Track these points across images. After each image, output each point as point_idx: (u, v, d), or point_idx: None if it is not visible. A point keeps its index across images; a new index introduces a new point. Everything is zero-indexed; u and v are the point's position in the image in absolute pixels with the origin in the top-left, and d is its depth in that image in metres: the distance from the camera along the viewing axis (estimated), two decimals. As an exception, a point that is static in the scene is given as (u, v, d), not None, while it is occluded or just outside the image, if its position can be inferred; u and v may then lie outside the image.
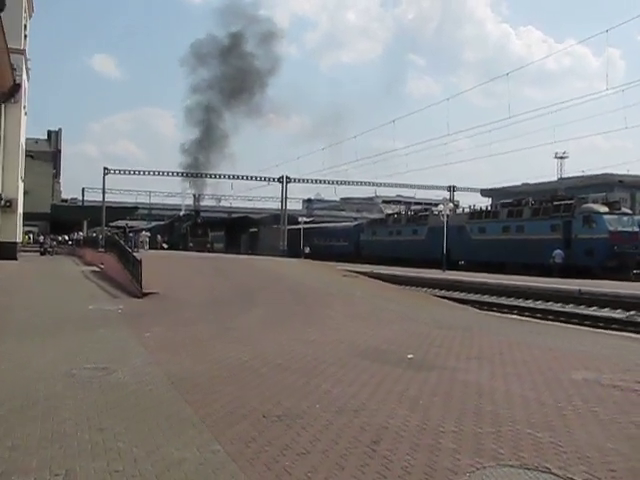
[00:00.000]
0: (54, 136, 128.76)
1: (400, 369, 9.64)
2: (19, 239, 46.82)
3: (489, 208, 50.43)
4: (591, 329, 15.92)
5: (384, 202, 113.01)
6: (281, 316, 16.21)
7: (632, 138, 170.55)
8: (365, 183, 77.57)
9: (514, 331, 14.42)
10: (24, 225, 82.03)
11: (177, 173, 77.87)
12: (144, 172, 74.70)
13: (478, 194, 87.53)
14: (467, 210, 53.69)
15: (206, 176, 79.46)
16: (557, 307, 24.69)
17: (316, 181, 76.10)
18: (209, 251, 67.58)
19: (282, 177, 73.10)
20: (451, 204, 48.96)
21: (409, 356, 10.74)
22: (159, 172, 75.62)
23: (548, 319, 20.08)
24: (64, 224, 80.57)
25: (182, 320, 15.29)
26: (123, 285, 23.06)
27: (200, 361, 10.03)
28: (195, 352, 10.93)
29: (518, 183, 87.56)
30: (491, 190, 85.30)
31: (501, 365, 10.04)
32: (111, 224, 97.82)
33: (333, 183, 76.34)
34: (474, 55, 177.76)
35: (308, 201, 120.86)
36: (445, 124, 74.12)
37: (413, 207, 68.11)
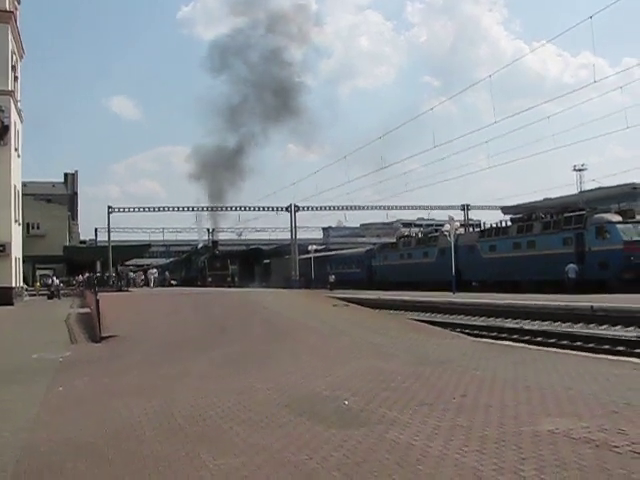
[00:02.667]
0: (70, 178, 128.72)
1: (323, 426, 7.72)
2: (17, 283, 45.66)
3: (499, 225, 48.04)
4: (591, 354, 13.72)
5: (404, 226, 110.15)
6: (239, 358, 14.71)
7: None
8: (378, 207, 75.50)
9: (499, 363, 12.35)
10: (38, 269, 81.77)
11: (186, 208, 76.05)
12: (148, 209, 73.20)
13: (499, 212, 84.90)
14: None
15: (213, 209, 77.63)
16: (564, 327, 22.55)
17: (325, 208, 74.11)
18: (229, 286, 61.59)
19: (290, 206, 71.18)
20: (457, 223, 46.77)
21: (345, 402, 9.00)
22: (165, 208, 74.26)
23: (549, 343, 17.96)
24: (79, 265, 79.60)
25: (121, 368, 13.93)
26: (93, 328, 21.35)
27: (84, 424, 8.41)
28: (92, 411, 9.36)
29: (540, 198, 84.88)
30: (512, 207, 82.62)
31: (454, 414, 8.00)
32: (127, 263, 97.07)
33: (343, 209, 74.23)
34: (489, 73, 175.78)
35: (325, 229, 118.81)
36: (461, 143, 71.19)
37: (424, 229, 65.52)
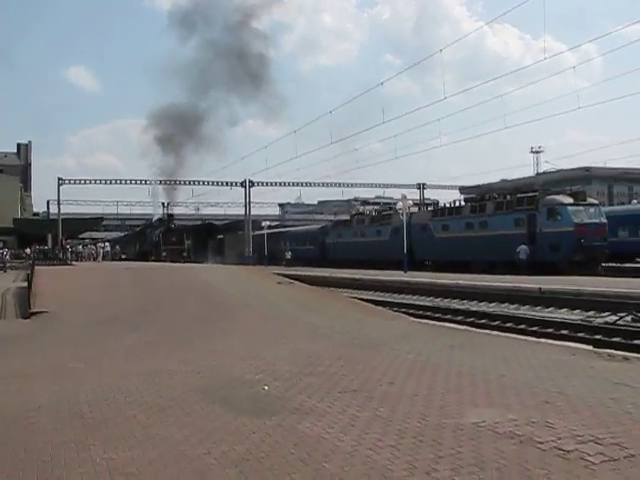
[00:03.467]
0: (24, 149, 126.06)
1: (234, 414, 7.16)
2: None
3: (452, 204, 47.67)
4: (532, 338, 13.27)
5: (363, 204, 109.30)
6: (168, 337, 14.07)
7: (611, 132, 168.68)
8: (334, 184, 74.89)
9: (436, 346, 11.81)
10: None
11: (140, 181, 74.56)
12: (100, 181, 71.75)
13: (457, 192, 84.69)
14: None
15: (168, 182, 76.18)
16: (511, 309, 22.19)
17: (280, 184, 73.35)
18: (185, 261, 59.39)
19: (245, 181, 70.19)
20: (410, 201, 46.29)
21: (265, 387, 8.45)
22: (118, 180, 72.85)
23: (492, 325, 17.55)
24: (30, 238, 77.59)
25: (42, 346, 13.33)
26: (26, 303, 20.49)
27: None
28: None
29: (497, 179, 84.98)
30: (470, 187, 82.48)
31: (377, 403, 7.44)
32: (81, 236, 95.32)
33: (299, 185, 73.51)
34: (451, 54, 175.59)
35: (282, 205, 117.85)
36: (425, 124, 70.23)
37: (378, 207, 64.73)
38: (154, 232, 73.92)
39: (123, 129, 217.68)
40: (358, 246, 54.98)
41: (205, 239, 78.41)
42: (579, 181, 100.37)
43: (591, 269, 33.74)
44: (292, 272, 44.39)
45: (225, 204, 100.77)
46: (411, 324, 15.74)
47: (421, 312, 21.58)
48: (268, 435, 6.28)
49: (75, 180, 70.00)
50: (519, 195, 39.60)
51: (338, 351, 11.35)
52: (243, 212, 75.01)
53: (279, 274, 30.13)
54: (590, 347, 11.87)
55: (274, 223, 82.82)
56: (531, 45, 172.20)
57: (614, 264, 39.93)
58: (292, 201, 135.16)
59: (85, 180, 71.43)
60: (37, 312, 17.83)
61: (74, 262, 46.12)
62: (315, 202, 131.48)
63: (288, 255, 62.06)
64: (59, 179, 67.93)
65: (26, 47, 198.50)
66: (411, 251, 46.29)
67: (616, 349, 12.18)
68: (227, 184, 72.44)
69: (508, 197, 40.54)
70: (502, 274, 34.08)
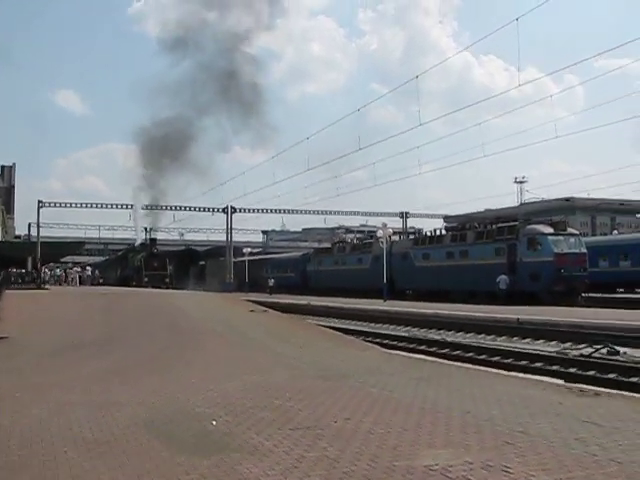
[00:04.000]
0: (7, 171, 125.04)
1: (173, 452, 6.72)
2: None
3: (434, 233, 47.35)
4: (503, 372, 12.83)
5: (348, 232, 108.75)
6: (128, 366, 13.52)
7: (595, 163, 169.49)
8: (317, 212, 74.47)
9: (402, 379, 11.34)
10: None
11: (121, 205, 73.89)
12: (80, 205, 71.16)
13: (442, 221, 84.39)
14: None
15: (150, 207, 75.36)
16: (487, 340, 21.79)
17: (264, 210, 72.88)
18: (167, 287, 57.54)
19: (227, 207, 69.71)
20: (390, 230, 45.92)
21: (213, 422, 7.95)
22: (99, 205, 72.31)
23: (465, 357, 17.11)
24: (10, 261, 76.34)
25: None
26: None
27: None
28: None
29: (481, 209, 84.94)
30: (454, 217, 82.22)
31: (329, 441, 6.98)
32: (63, 260, 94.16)
33: (281, 212, 73.08)
34: (437, 84, 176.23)
35: (265, 232, 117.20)
36: (409, 153, 70.07)
37: (359, 236, 64.20)
38: (136, 257, 70.66)
39: (111, 153, 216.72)
40: (339, 274, 54.48)
41: (187, 265, 77.31)
42: (562, 211, 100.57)
43: (571, 299, 33.45)
44: (270, 300, 44.08)
45: (208, 230, 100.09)
46: (382, 355, 15.27)
47: (396, 342, 21.17)
48: (202, 477, 5.79)
49: (55, 203, 69.36)
50: (500, 224, 39.31)
51: (302, 383, 10.88)
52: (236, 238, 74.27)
53: (254, 302, 29.65)
54: (562, 381, 11.42)
55: (256, 250, 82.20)
56: (515, 76, 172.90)
57: (595, 294, 39.68)
58: (277, 228, 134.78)
59: (65, 203, 70.81)
60: (-2, 337, 17.17)
61: (48, 286, 45.33)
62: (300, 229, 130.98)
63: (271, 282, 61.21)
64: (39, 202, 67.24)
65: (12, 70, 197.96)
66: (392, 280, 45.85)
67: (588, 383, 11.77)
68: (209, 210, 71.90)
69: (489, 226, 40.21)
70: (482, 304, 33.68)
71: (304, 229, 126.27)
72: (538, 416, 8.07)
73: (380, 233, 44.85)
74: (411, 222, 77.54)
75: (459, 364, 13.92)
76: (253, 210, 72.74)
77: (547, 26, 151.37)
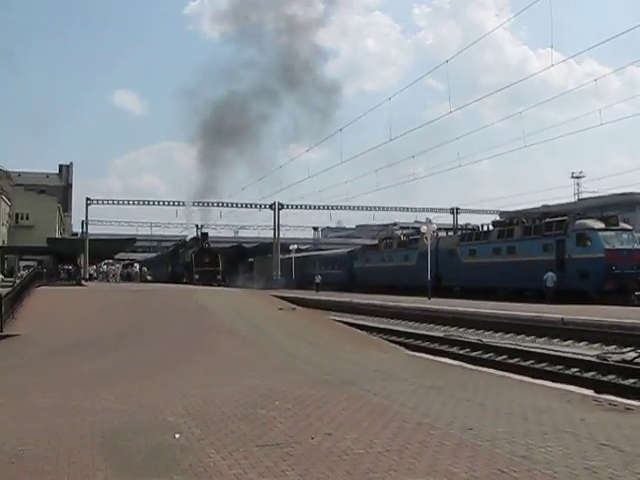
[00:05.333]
0: (65, 170, 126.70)
1: (112, 472, 5.86)
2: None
3: (481, 229, 45.91)
4: (529, 379, 11.62)
5: (401, 228, 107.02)
6: (128, 366, 12.90)
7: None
8: (368, 208, 73.48)
9: (412, 387, 10.28)
10: (23, 260, 79.77)
11: (169, 202, 73.68)
12: (128, 202, 71.21)
13: (496, 217, 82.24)
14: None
15: (200, 204, 74.78)
16: (527, 342, 20.46)
17: (312, 207, 72.02)
18: (219, 284, 54.19)
19: (274, 204, 69.02)
20: (434, 225, 44.61)
21: (176, 435, 7.07)
22: (145, 202, 72.08)
23: (494, 362, 15.92)
24: (64, 258, 76.99)
25: None
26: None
27: None
28: None
29: (538, 205, 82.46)
30: (510, 212, 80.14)
31: (294, 461, 6.06)
32: (116, 257, 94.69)
33: (330, 208, 72.11)
34: (494, 79, 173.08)
35: (315, 229, 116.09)
36: (466, 149, 68.65)
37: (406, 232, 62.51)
38: (187, 252, 66.64)
39: (167, 151, 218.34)
40: (385, 271, 53.41)
41: (236, 262, 76.30)
42: (622, 207, 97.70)
43: (623, 298, 31.68)
44: (310, 297, 43.24)
45: (259, 227, 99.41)
46: (403, 358, 14.19)
47: (428, 343, 20.09)
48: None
49: (103, 200, 69.44)
50: (548, 220, 37.70)
51: (300, 389, 9.89)
52: (281, 235, 73.43)
53: (291, 299, 28.78)
54: (592, 392, 10.20)
55: (305, 246, 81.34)
56: (574, 69, 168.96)
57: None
58: (332, 225, 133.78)
59: (114, 200, 70.91)
60: (8, 335, 16.59)
61: (87, 283, 45.15)
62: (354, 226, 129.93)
63: (318, 279, 60.10)
64: (87, 199, 67.57)
65: (72, 70, 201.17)
66: (439, 277, 44.74)
67: (626, 394, 10.54)
68: (256, 206, 71.23)
69: (537, 222, 38.61)
70: (529, 302, 32.27)
71: (358, 226, 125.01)
72: (550, 436, 6.94)
73: (424, 229, 43.58)
74: (466, 218, 75.50)
75: (485, 369, 12.78)
76: (301, 206, 71.91)
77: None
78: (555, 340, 20.32)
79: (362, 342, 16.51)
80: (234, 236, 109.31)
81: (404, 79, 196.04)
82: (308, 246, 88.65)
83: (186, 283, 54.93)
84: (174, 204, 74.97)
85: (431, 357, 14.53)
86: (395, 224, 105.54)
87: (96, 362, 13.15)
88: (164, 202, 74.93)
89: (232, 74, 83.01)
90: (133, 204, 72.50)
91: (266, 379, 10.91)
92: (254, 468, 5.84)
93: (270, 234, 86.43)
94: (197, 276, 57.92)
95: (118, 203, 71.57)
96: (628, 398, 10.31)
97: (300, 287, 61.44)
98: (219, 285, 53.04)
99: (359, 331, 19.59)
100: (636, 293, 34.02)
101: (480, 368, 12.88)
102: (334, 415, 8.08)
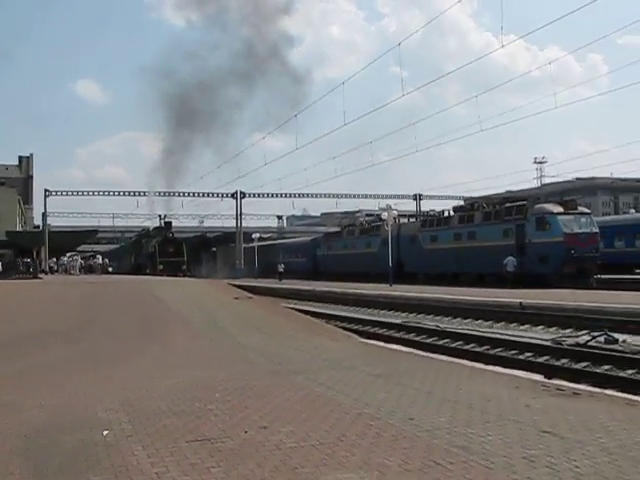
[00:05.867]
0: (25, 162, 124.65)
1: (18, 477, 5.30)
2: None
3: (442, 215, 45.85)
4: (481, 365, 11.45)
5: (367, 215, 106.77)
6: (71, 360, 12.58)
7: (617, 142, 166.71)
8: (331, 195, 73.12)
9: (359, 375, 10.02)
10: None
11: (131, 192, 72.71)
12: (88, 192, 70.18)
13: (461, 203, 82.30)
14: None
15: (164, 194, 73.87)
16: (484, 327, 20.34)
17: (273, 195, 71.58)
18: (184, 275, 52.46)
19: (236, 192, 68.45)
20: (395, 212, 44.47)
21: (104, 433, 6.73)
22: (106, 192, 71.19)
23: (449, 348, 15.74)
24: (24, 251, 75.53)
25: None
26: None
27: None
28: None
29: (502, 190, 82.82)
30: (475, 199, 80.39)
31: (220, 459, 5.79)
32: (77, 249, 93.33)
33: (291, 196, 71.71)
34: (458, 65, 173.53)
35: (280, 217, 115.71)
36: (429, 135, 68.64)
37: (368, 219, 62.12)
38: (150, 242, 63.68)
39: (132, 141, 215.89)
40: (348, 258, 53.17)
41: (199, 252, 75.50)
42: (584, 191, 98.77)
43: (583, 281, 31.80)
44: (273, 286, 42.98)
45: (223, 216, 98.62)
46: (354, 346, 13.93)
47: (384, 330, 19.94)
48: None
49: (62, 192, 68.58)
50: (507, 204, 37.67)
51: (244, 380, 9.62)
52: (244, 224, 72.89)
53: (249, 288, 28.46)
54: (541, 377, 10.04)
55: (267, 235, 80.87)
56: (537, 56, 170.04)
57: (611, 276, 38.10)
58: (297, 213, 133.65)
59: (72, 192, 69.91)
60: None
61: (44, 276, 44.31)
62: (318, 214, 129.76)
63: (281, 268, 59.56)
64: (45, 191, 66.58)
65: (31, 57, 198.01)
66: (401, 263, 44.66)
67: (574, 379, 10.41)
68: (218, 195, 70.63)
69: (497, 207, 38.59)
70: (491, 287, 32.26)
71: (323, 214, 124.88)
72: (493, 425, 6.72)
73: (385, 215, 43.40)
74: (431, 204, 75.62)
75: (437, 356, 12.55)
76: (263, 195, 71.46)
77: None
78: (512, 325, 20.22)
79: (316, 331, 16.22)
80: (199, 226, 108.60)
81: (369, 66, 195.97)
82: (270, 235, 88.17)
83: (150, 274, 53.18)
84: (136, 194, 74.09)
85: (384, 345, 14.27)
86: (360, 211, 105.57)
87: (38, 357, 12.77)
88: (125, 192, 74.09)
89: (196, 61, 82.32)
90: (93, 195, 71.68)
91: (213, 370, 10.63)
92: (179, 465, 5.55)
93: (233, 223, 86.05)
94: (161, 267, 55.94)
95: (77, 194, 70.80)
96: (578, 382, 10.20)
97: (264, 276, 61.09)
98: (184, 276, 51.52)
99: (314, 320, 19.31)
100: (595, 276, 34.21)
101: (432, 355, 12.66)
102: (273, 407, 7.80)
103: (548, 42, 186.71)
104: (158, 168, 69.39)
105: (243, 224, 74.36)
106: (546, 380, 9.46)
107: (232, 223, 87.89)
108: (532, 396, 8.17)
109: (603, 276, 36.09)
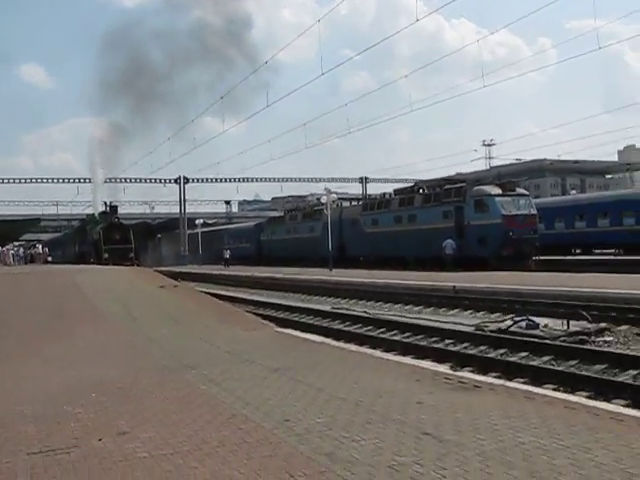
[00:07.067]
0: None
1: None
2: None
3: (383, 197, 45.48)
4: (389, 356, 10.94)
5: (318, 199, 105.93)
6: None
7: (566, 126, 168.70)
8: (271, 180, 72.33)
9: (256, 370, 9.38)
10: None
11: (63, 180, 71.01)
12: (32, 180, 68.29)
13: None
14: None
15: (108, 181, 71.89)
16: (413, 313, 19.93)
17: (218, 180, 70.61)
18: (131, 264, 48.67)
19: (179, 178, 67.33)
20: (334, 195, 43.99)
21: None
22: (48, 179, 69.35)
23: (370, 337, 15.23)
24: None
25: None
26: None
27: None
28: None
29: (452, 172, 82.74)
30: (426, 181, 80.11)
31: (52, 475, 5.00)
32: (21, 238, 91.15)
33: (239, 181, 70.81)
34: (408, 48, 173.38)
35: (228, 202, 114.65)
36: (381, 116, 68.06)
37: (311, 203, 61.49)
38: (94, 229, 58.73)
39: (81, 127, 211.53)
40: (292, 243, 52.63)
41: (143, 240, 73.48)
42: (532, 173, 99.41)
43: (521, 263, 31.64)
44: (212, 272, 42.25)
45: (170, 202, 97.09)
46: (267, 337, 13.24)
47: (311, 318, 19.51)
48: None
49: (5, 179, 66.49)
50: (447, 187, 37.35)
51: (132, 377, 9.01)
52: (195, 210, 71.88)
53: (187, 275, 27.68)
54: (447, 368, 9.56)
55: (211, 221, 79.69)
56: (488, 40, 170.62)
57: (550, 257, 38.16)
58: (249, 198, 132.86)
59: (16, 179, 68.15)
60: None
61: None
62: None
63: (226, 254, 58.45)
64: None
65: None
66: (343, 247, 44.22)
67: (484, 369, 9.96)
68: (161, 181, 69.36)
69: (437, 189, 38.27)
70: (431, 270, 31.94)
71: (273, 198, 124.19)
72: (373, 426, 6.16)
73: (324, 199, 42.88)
74: (380, 188, 75.23)
75: (348, 346, 11.99)
76: (205, 180, 70.42)
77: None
78: (442, 310, 19.82)
79: (233, 320, 15.55)
80: (150, 212, 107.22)
81: (320, 50, 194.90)
82: (215, 220, 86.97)
83: (94, 263, 49.81)
84: (82, 181, 72.44)
85: (299, 334, 13.65)
86: (311, 195, 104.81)
87: None
88: (70, 180, 72.39)
89: (146, 41, 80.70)
90: (36, 182, 69.65)
91: (107, 368, 9.91)
92: (3, 482, 4.88)
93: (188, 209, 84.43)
94: (106, 255, 51.82)
95: (21, 182, 68.73)
96: (488, 372, 9.76)
97: (211, 263, 60.25)
98: (132, 264, 48.41)
99: (235, 308, 18.71)
100: (534, 257, 34.11)
101: (345, 345, 12.09)
102: (146, 408, 7.19)
103: (498, 25, 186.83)
104: (101, 152, 66.72)
105: (194, 210, 73.47)
106: (451, 372, 8.93)
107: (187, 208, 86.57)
108: (429, 391, 7.62)
109: (542, 257, 36.06)
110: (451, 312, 19.30)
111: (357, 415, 6.57)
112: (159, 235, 78.05)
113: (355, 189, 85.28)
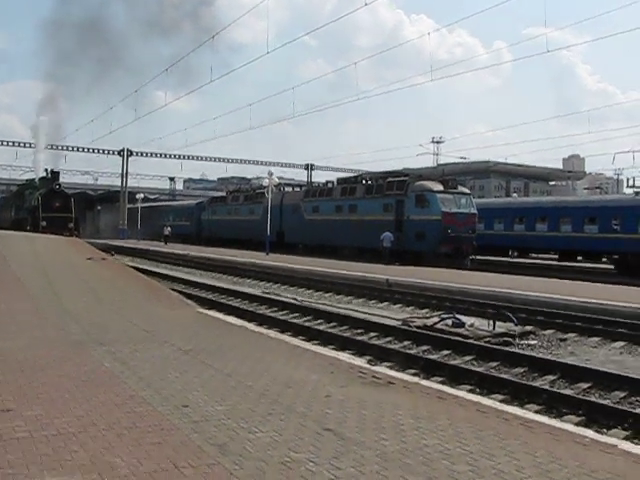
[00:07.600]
0: None
1: None
2: None
3: (325, 185, 45.29)
4: (309, 345, 10.71)
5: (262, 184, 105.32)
6: None
7: (516, 130, 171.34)
8: (218, 160, 71.58)
9: (169, 350, 9.07)
10: None
11: (7, 142, 69.08)
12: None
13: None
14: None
15: (50, 148, 69.61)
16: (343, 303, 19.72)
17: (163, 155, 69.49)
18: (70, 234, 45.80)
19: (123, 150, 66.08)
20: (275, 179, 43.53)
21: None
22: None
23: (294, 325, 14.97)
24: None
25: None
26: None
27: None
28: None
29: (400, 167, 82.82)
30: (374, 173, 80.00)
31: None
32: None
33: (181, 158, 69.79)
34: (367, 40, 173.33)
35: (172, 179, 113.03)
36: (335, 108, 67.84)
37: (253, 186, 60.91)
38: (33, 195, 54.86)
39: (29, 90, 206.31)
40: (232, 224, 52.13)
41: (83, 210, 71.25)
42: (478, 173, 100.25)
43: (459, 261, 31.72)
44: (144, 247, 41.56)
45: (113, 174, 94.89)
46: (188, 317, 12.88)
47: (239, 300, 19.11)
48: None
49: None
50: (389, 179, 37.21)
51: (38, 350, 8.57)
52: (140, 185, 70.62)
53: (110, 248, 27.07)
54: (364, 362, 9.33)
55: (153, 196, 78.51)
56: (446, 37, 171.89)
57: (487, 257, 38.44)
58: (195, 177, 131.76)
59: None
60: None
61: None
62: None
63: (166, 231, 57.09)
64: None
65: None
66: (282, 233, 43.92)
67: (401, 365, 9.78)
68: (104, 152, 67.98)
69: (379, 181, 38.13)
70: (369, 262, 31.81)
71: (219, 178, 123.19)
72: (275, 417, 5.91)
73: (266, 182, 42.45)
74: (327, 176, 75.00)
75: (269, 332, 11.68)
76: (150, 154, 69.26)
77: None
78: (372, 302, 19.65)
79: (156, 297, 15.16)
80: (92, 183, 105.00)
81: (278, 34, 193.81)
82: (157, 196, 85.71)
83: (30, 231, 47.11)
84: (19, 145, 70.48)
85: (221, 316, 13.31)
86: (258, 178, 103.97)
87: None
88: (6, 142, 70.36)
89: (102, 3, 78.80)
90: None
91: (12, 340, 9.46)
92: None
93: (131, 183, 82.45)
94: (44, 223, 49.17)
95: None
96: (405, 369, 9.59)
97: (150, 239, 59.21)
98: (71, 235, 46.11)
99: (160, 285, 18.25)
100: (471, 257, 34.25)
101: (264, 331, 11.78)
102: (42, 384, 6.85)
103: (457, 26, 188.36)
104: (45, 115, 64.04)
105: (138, 184, 72.23)
106: (367, 366, 8.70)
107: (130, 182, 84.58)
108: (341, 384, 7.37)
109: (479, 257, 36.27)
110: (380, 305, 19.14)
111: (260, 405, 6.29)
112: (99, 207, 76.60)
113: (302, 176, 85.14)
